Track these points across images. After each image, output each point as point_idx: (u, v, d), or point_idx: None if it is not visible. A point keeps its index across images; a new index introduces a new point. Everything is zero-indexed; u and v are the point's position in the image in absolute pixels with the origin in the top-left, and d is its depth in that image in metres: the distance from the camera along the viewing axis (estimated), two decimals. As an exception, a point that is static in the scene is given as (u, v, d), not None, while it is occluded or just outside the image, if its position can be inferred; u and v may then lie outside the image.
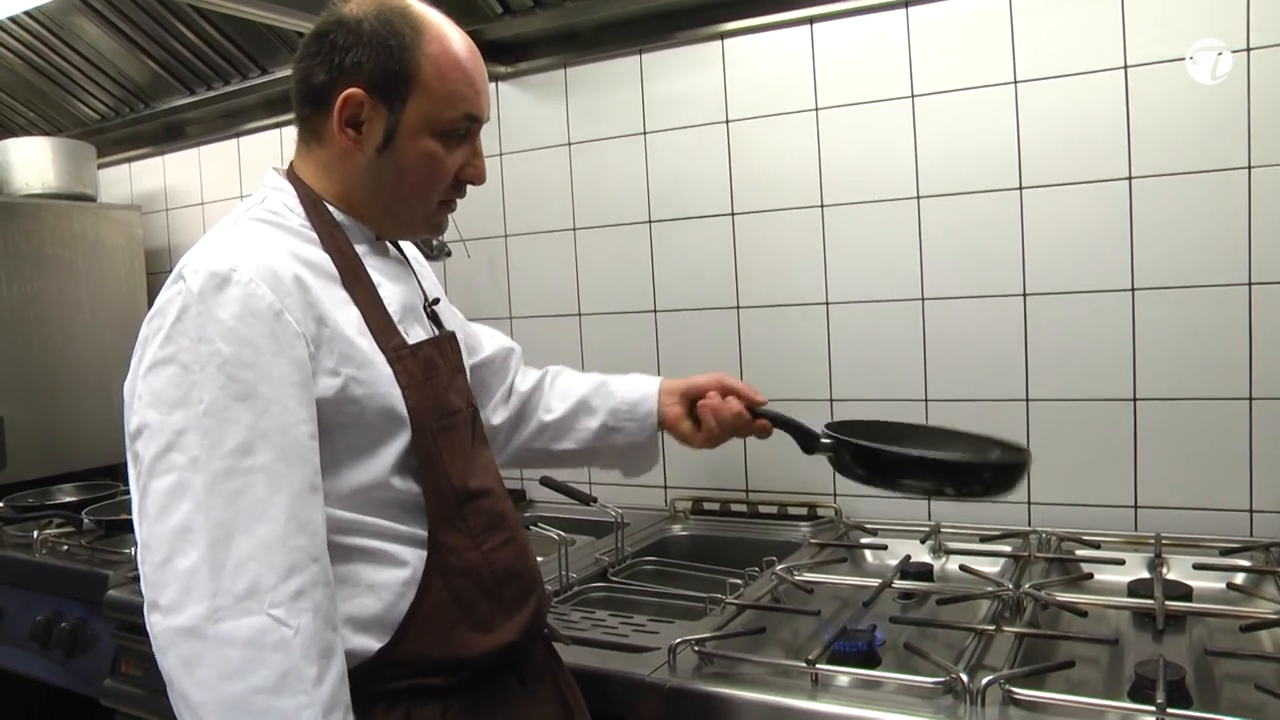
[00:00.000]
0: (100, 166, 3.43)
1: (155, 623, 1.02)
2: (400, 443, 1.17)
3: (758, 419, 1.56)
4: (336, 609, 1.10)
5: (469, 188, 1.30)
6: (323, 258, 1.18)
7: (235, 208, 1.24)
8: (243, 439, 1.04)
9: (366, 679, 1.12)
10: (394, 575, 1.17)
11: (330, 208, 1.24)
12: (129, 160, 3.59)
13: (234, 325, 1.05)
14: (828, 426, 1.57)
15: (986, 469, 1.49)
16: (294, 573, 1.03)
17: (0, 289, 2.91)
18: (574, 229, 2.58)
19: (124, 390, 1.11)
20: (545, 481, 2.30)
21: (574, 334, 2.60)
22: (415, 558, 1.18)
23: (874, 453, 1.49)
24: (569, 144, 2.57)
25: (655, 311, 2.48)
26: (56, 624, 2.23)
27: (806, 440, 1.55)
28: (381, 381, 1.16)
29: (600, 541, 2.22)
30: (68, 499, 2.80)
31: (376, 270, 1.25)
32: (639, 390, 1.60)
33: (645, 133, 2.46)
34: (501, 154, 2.65)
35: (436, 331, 1.33)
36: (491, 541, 1.25)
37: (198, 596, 1.00)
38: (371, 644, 1.15)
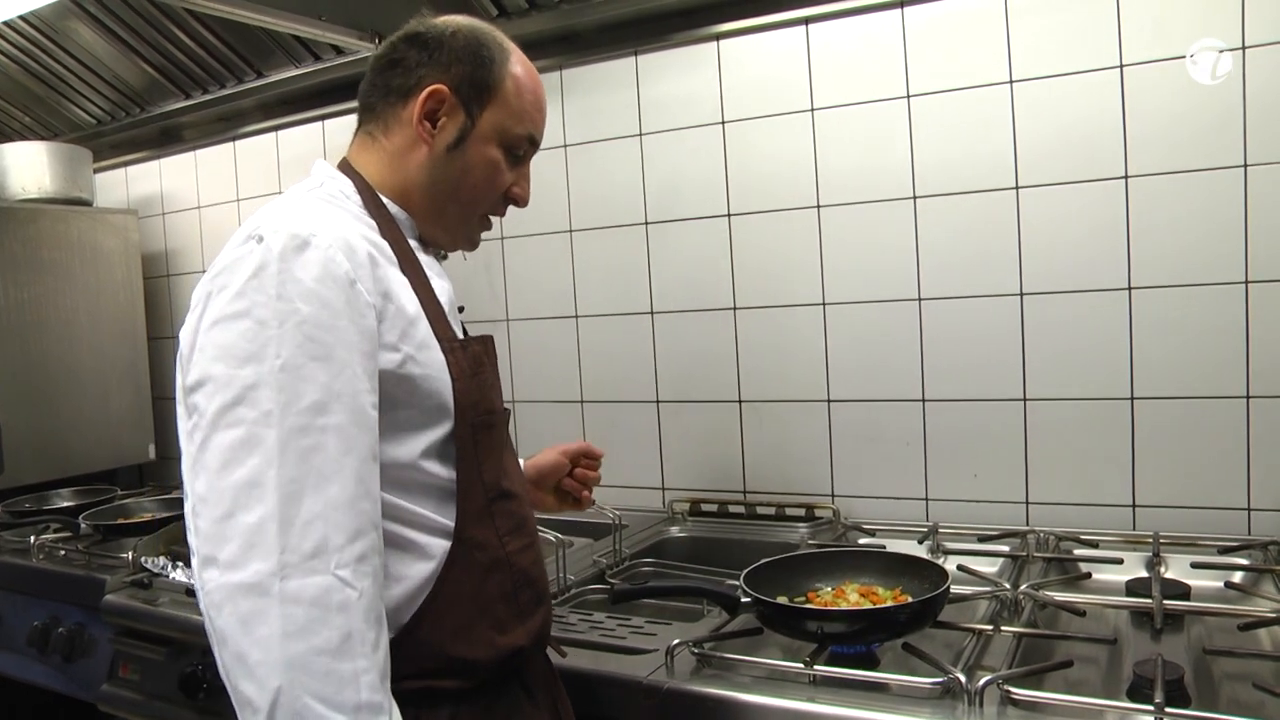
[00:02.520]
0: (96, 171, 3.42)
1: (210, 579, 1.00)
2: (441, 430, 1.18)
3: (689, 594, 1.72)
4: (383, 579, 1.11)
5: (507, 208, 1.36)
6: (382, 242, 1.21)
7: (289, 189, 1.27)
8: (318, 398, 1.04)
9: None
10: (420, 569, 1.17)
11: (387, 202, 1.27)
12: (125, 164, 3.58)
13: (314, 287, 1.07)
14: (754, 570, 1.65)
15: (903, 610, 1.50)
16: (359, 536, 1.04)
17: (-4, 294, 2.91)
18: (570, 231, 2.58)
19: (181, 342, 1.12)
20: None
21: (571, 336, 2.60)
22: (441, 550, 1.18)
23: (793, 611, 1.54)
24: (565, 146, 2.57)
25: (652, 313, 2.48)
26: (54, 629, 2.22)
27: (731, 606, 1.59)
28: (437, 366, 1.18)
29: (598, 543, 2.22)
30: (65, 504, 2.81)
31: (426, 265, 1.27)
32: None
33: (641, 134, 2.45)
34: (498, 156, 2.63)
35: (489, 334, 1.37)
36: (515, 543, 1.26)
37: (264, 552, 0.99)
38: (389, 634, 1.12)
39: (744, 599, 1.53)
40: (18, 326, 2.94)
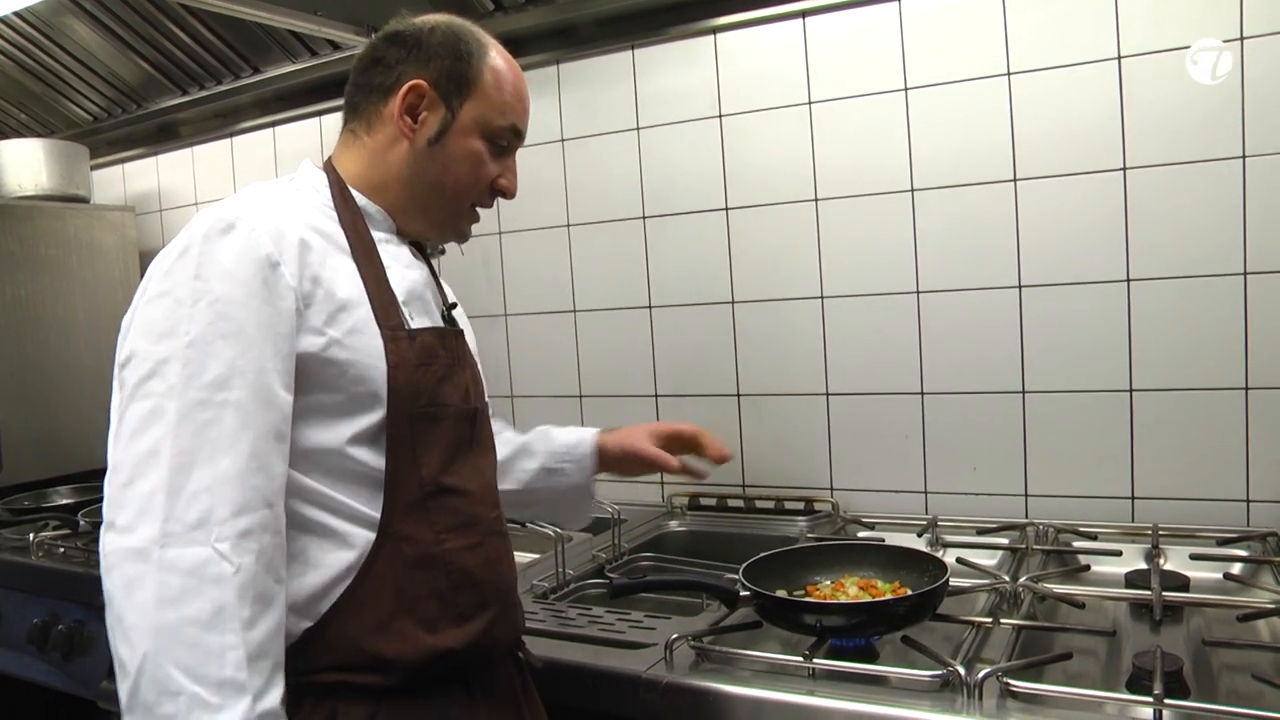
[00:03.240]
0: (93, 168, 3.42)
1: (108, 541, 1.04)
2: (372, 417, 1.17)
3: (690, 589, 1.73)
4: (284, 561, 1.10)
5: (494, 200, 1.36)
6: (336, 231, 1.23)
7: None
8: (220, 373, 1.07)
9: (296, 663, 1.10)
10: (339, 557, 1.15)
11: (355, 194, 1.28)
12: (122, 161, 3.58)
13: (230, 267, 1.10)
14: (751, 564, 1.65)
15: (902, 603, 1.50)
16: (245, 511, 1.05)
17: (-6, 291, 2.90)
18: (568, 225, 2.58)
19: (122, 322, 1.15)
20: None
21: (569, 330, 2.60)
22: (364, 541, 1.16)
23: (786, 602, 1.54)
24: (562, 140, 2.56)
25: (650, 307, 2.47)
26: (53, 626, 2.21)
27: (730, 600, 1.59)
28: (369, 352, 1.17)
29: (597, 538, 2.21)
30: (64, 501, 2.80)
31: (391, 255, 1.27)
32: (576, 435, 1.67)
33: (639, 128, 2.45)
34: (495, 151, 2.63)
35: (448, 327, 1.35)
36: (456, 541, 1.22)
37: (151, 519, 1.02)
38: (303, 623, 1.13)
39: (743, 593, 1.53)
40: (15, 324, 2.94)
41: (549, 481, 1.63)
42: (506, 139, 1.32)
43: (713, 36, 2.32)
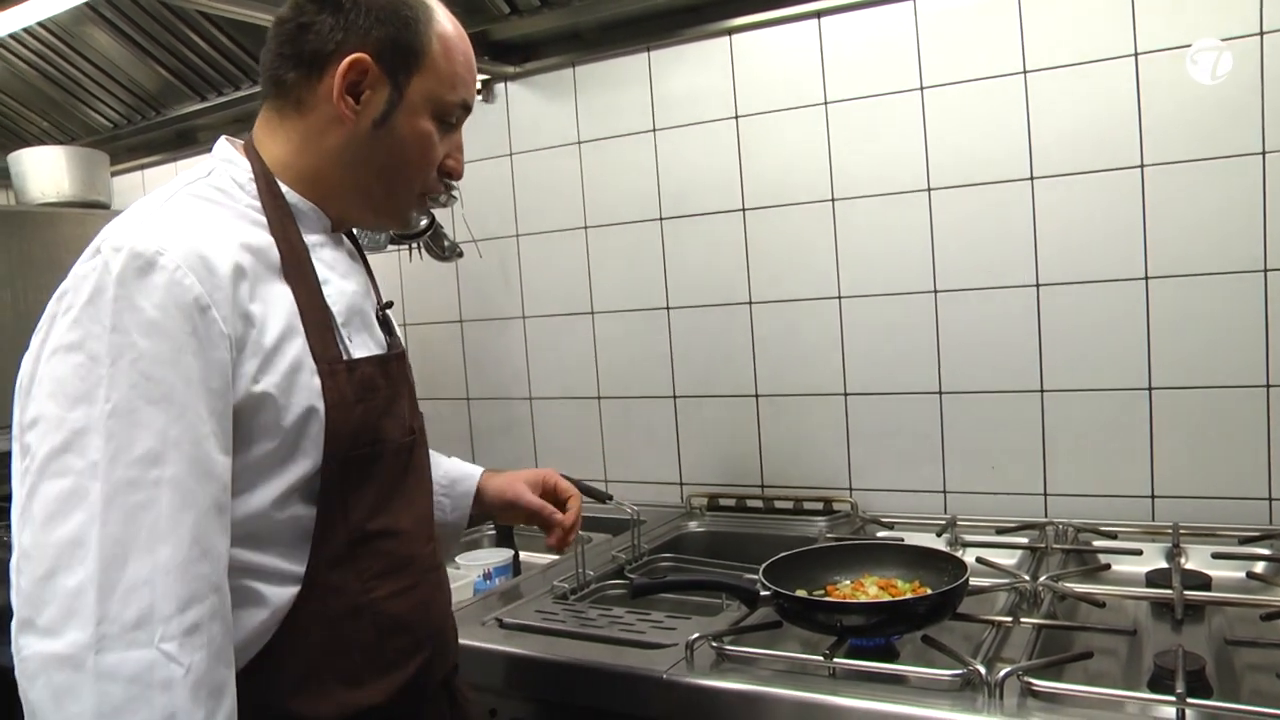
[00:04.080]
0: (114, 174, 3.44)
1: (26, 644, 0.90)
2: (306, 466, 1.06)
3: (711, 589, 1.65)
4: (232, 642, 1.00)
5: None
6: (268, 243, 1.08)
7: (174, 179, 1.13)
8: (151, 446, 0.93)
9: None
10: (256, 616, 1.05)
11: (285, 189, 1.14)
12: (142, 167, 3.60)
13: (155, 317, 0.95)
14: (771, 564, 1.64)
15: (922, 603, 1.49)
16: (192, 604, 0.93)
17: (16, 297, 2.92)
18: (585, 227, 2.58)
19: (22, 369, 1.01)
20: (561, 480, 2.30)
21: (587, 332, 2.61)
22: (283, 597, 1.06)
23: (806, 602, 1.53)
24: (579, 143, 2.57)
25: (668, 308, 2.48)
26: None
27: (750, 599, 1.58)
28: (306, 393, 1.06)
29: (617, 539, 2.22)
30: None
31: (326, 265, 1.16)
32: (461, 470, 1.52)
33: (655, 130, 2.45)
34: (511, 154, 2.65)
35: (386, 339, 1.25)
36: (385, 588, 1.13)
37: (81, 621, 0.88)
38: None
39: (763, 592, 1.53)
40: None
41: None
42: (455, 115, 1.19)
43: (728, 38, 2.33)
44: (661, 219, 2.47)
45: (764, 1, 2.25)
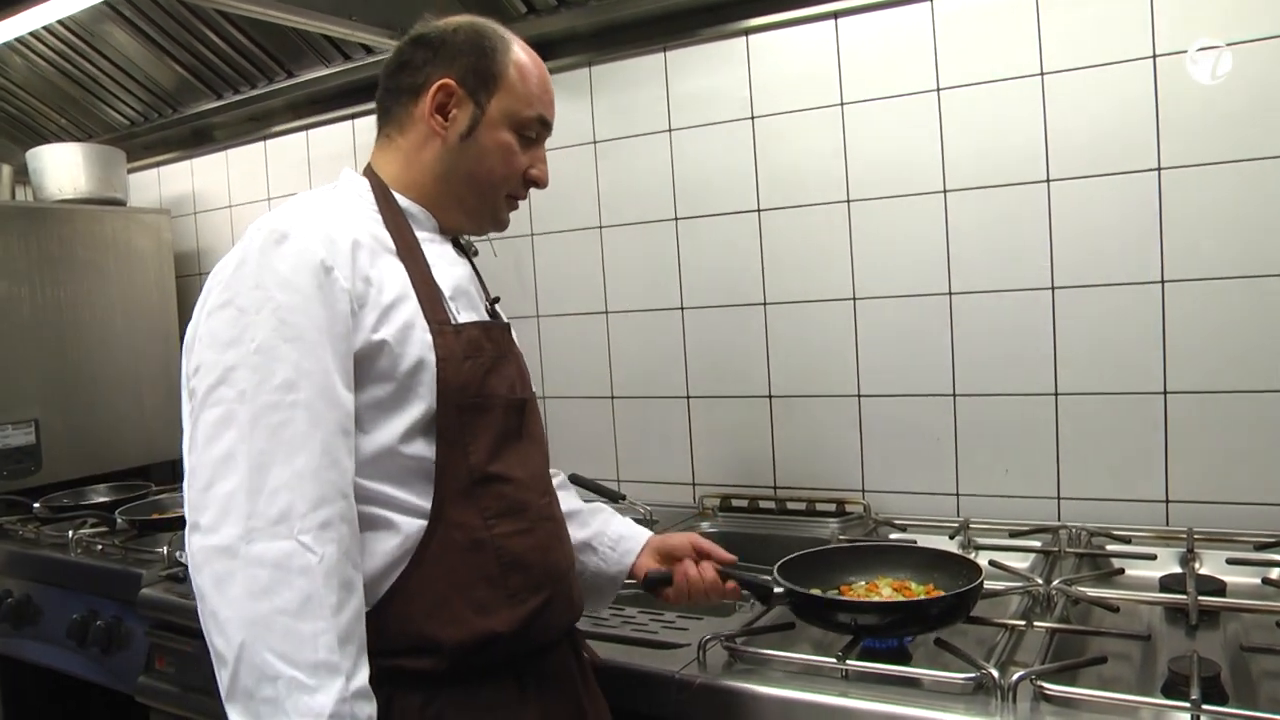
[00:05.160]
0: (130, 171, 3.46)
1: (194, 542, 1.09)
2: (422, 409, 1.21)
3: (727, 580, 1.54)
4: (360, 549, 1.15)
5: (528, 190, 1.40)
6: (383, 233, 1.28)
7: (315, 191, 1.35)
8: (288, 376, 1.11)
9: None
10: (394, 544, 1.19)
11: (400, 198, 1.33)
12: (158, 165, 3.62)
13: (288, 275, 1.14)
14: (786, 561, 1.63)
15: (936, 604, 1.49)
16: (323, 504, 1.10)
17: (33, 293, 2.94)
18: (600, 227, 2.59)
19: (186, 335, 1.20)
20: (573, 478, 2.29)
21: (601, 331, 2.61)
22: (413, 527, 1.21)
23: (823, 601, 1.52)
24: (594, 142, 2.57)
25: (682, 308, 2.48)
26: (92, 622, 2.25)
27: (765, 595, 1.55)
28: (419, 346, 1.21)
29: (629, 539, 2.22)
30: (101, 499, 2.84)
31: (435, 254, 1.32)
32: (630, 530, 1.61)
33: (671, 130, 2.46)
34: (527, 153, 2.64)
35: (494, 320, 1.39)
36: (505, 527, 1.26)
37: (234, 518, 1.06)
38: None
39: (777, 589, 1.53)
40: (54, 325, 2.99)
41: (584, 558, 1.56)
42: (534, 130, 1.35)
43: (745, 38, 2.33)
44: (677, 219, 2.47)
45: (781, 2, 2.25)
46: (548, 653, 1.32)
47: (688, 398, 2.49)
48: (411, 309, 1.23)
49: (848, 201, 2.23)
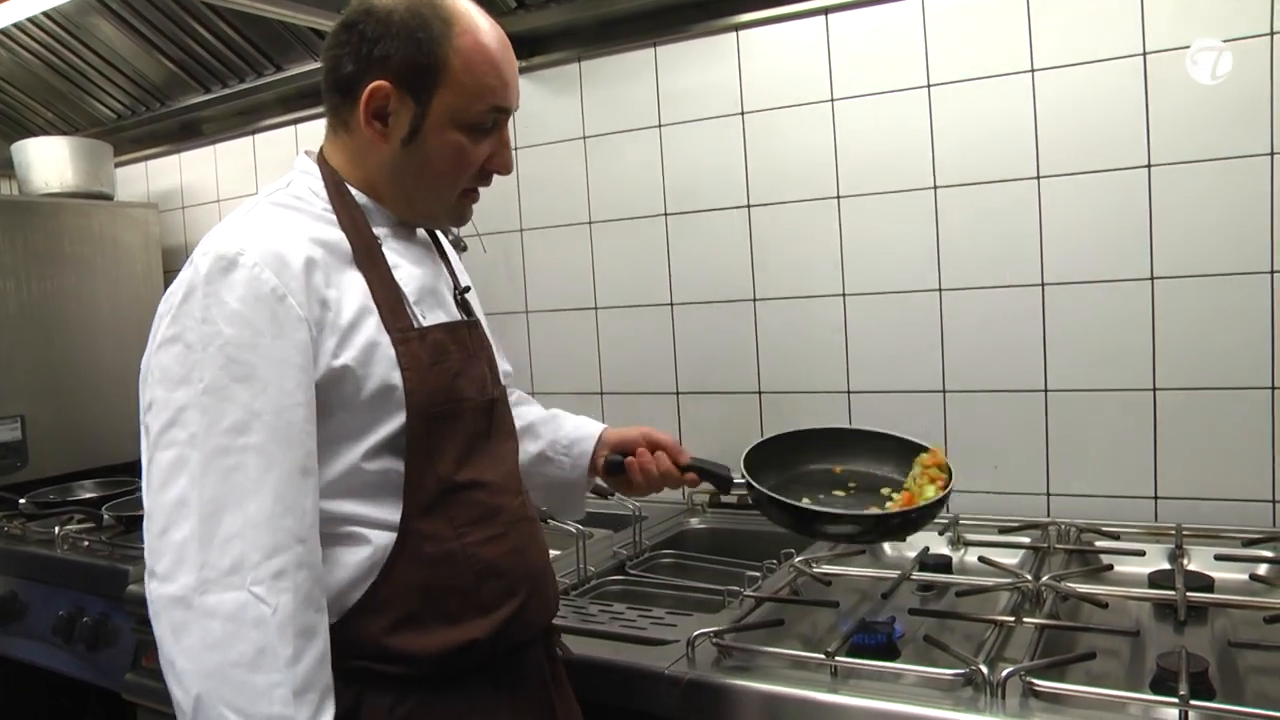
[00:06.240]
0: (117, 165, 3.44)
1: (151, 589, 1.07)
2: (393, 425, 1.18)
3: (685, 472, 1.56)
4: (322, 590, 1.12)
5: (491, 179, 1.32)
6: (339, 238, 1.21)
7: (263, 189, 1.27)
8: (239, 418, 1.07)
9: None
10: (361, 556, 1.17)
11: (353, 191, 1.26)
12: (145, 159, 3.60)
13: (237, 308, 1.09)
14: (761, 444, 1.61)
15: (898, 516, 1.48)
16: (277, 552, 1.06)
17: (19, 287, 2.92)
18: (589, 222, 2.58)
19: (142, 363, 1.16)
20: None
21: (590, 327, 2.60)
22: (383, 540, 1.18)
23: (787, 506, 1.50)
24: (584, 137, 2.56)
25: (672, 304, 2.47)
26: (78, 619, 2.24)
27: (723, 484, 1.55)
28: (383, 366, 1.17)
29: (618, 535, 2.22)
30: (88, 495, 2.82)
31: (396, 253, 1.26)
32: (582, 430, 1.61)
33: (660, 125, 2.45)
34: (516, 148, 2.64)
35: (463, 316, 1.35)
36: (477, 535, 1.23)
37: (188, 568, 1.04)
38: (330, 619, 1.14)
39: (737, 479, 1.52)
40: (40, 320, 2.97)
41: (543, 469, 1.59)
42: (489, 120, 1.24)
43: (735, 34, 2.32)
44: (666, 214, 2.46)
45: (772, -3, 2.24)
46: (523, 651, 1.31)
47: (677, 394, 2.49)
48: (373, 325, 1.18)
49: (838, 197, 2.23)
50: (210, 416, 1.07)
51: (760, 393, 2.37)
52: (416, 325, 1.23)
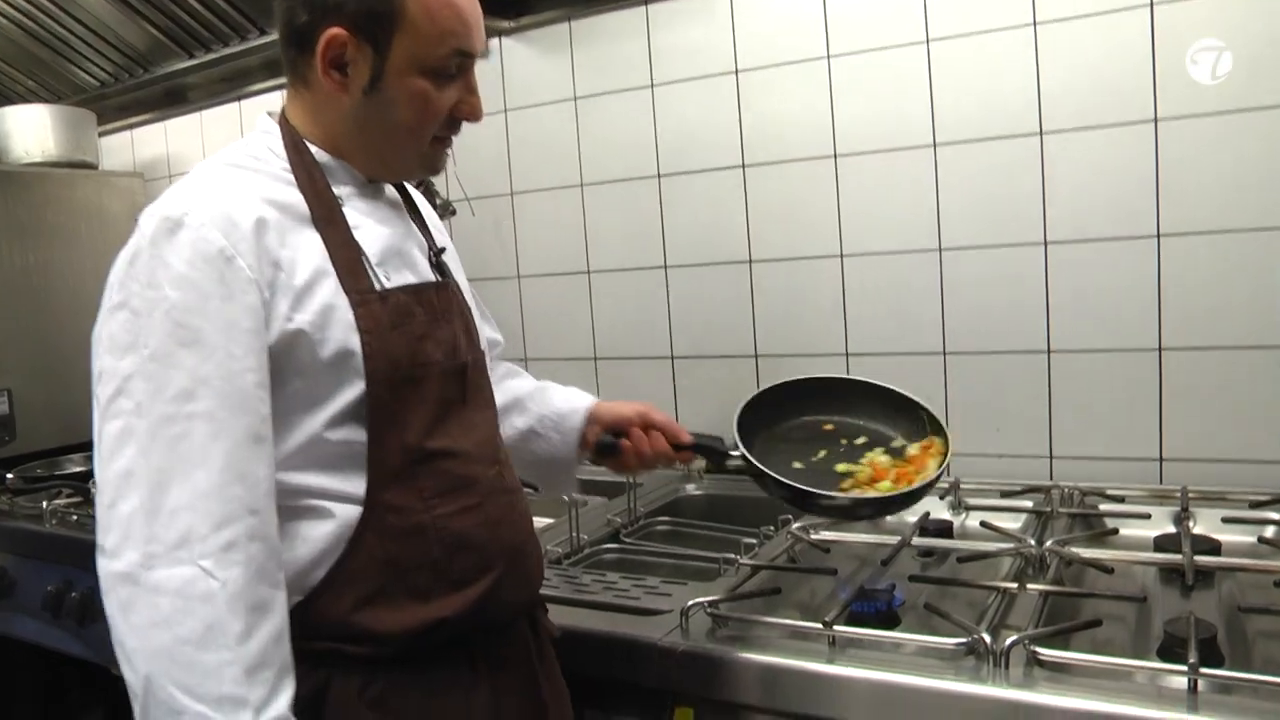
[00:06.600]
0: (101, 134, 3.38)
1: (101, 565, 1.03)
2: (352, 392, 1.12)
3: (681, 451, 1.49)
4: (278, 564, 1.07)
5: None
6: (296, 198, 1.15)
7: (219, 152, 1.22)
8: (184, 385, 1.03)
9: (290, 634, 1.07)
10: (325, 530, 1.12)
11: (314, 149, 1.20)
12: (130, 127, 3.54)
13: (183, 271, 1.05)
14: (748, 407, 1.54)
15: (899, 498, 1.43)
16: (227, 524, 1.02)
17: (3, 259, 2.88)
18: (581, 185, 2.53)
19: (93, 332, 1.12)
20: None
21: (583, 292, 2.56)
22: (349, 513, 1.13)
23: (782, 483, 1.43)
24: (575, 98, 2.51)
25: (666, 267, 2.43)
26: (67, 593, 2.21)
27: (718, 459, 1.50)
28: (341, 329, 1.12)
29: (613, 502, 2.19)
30: (76, 469, 2.79)
31: (360, 212, 1.21)
32: (571, 404, 1.53)
33: (652, 85, 2.39)
34: (506, 110, 2.59)
35: (436, 277, 1.28)
36: (447, 506, 1.17)
37: (134, 542, 1.00)
38: (293, 597, 1.10)
39: (733, 451, 1.46)
40: (25, 292, 2.92)
41: (531, 445, 1.52)
42: (454, 65, 1.18)
43: (728, -11, 2.26)
44: (660, 176, 2.41)
45: (765, -50, 2.18)
46: (503, 630, 1.25)
47: (672, 358, 2.45)
48: (330, 287, 1.12)
49: (834, 156, 2.18)
50: (156, 384, 1.03)
51: (757, 356, 2.33)
52: (378, 287, 1.16)
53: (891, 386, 1.59)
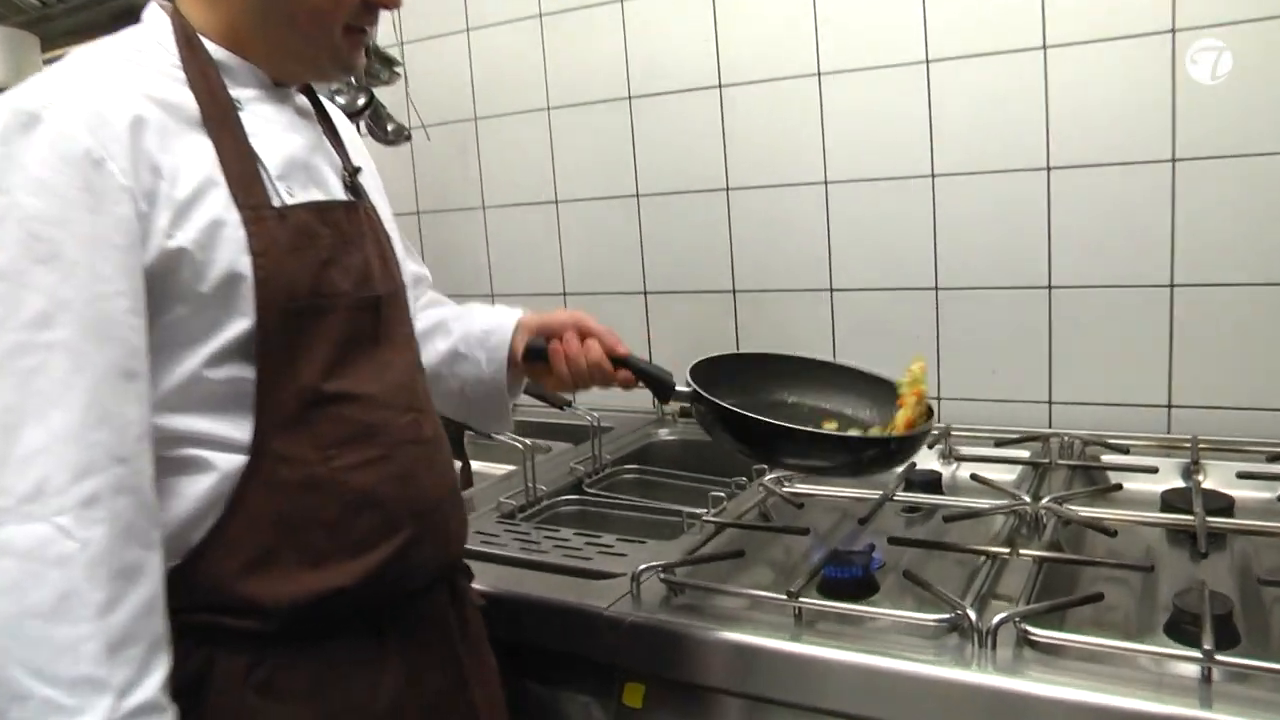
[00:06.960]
0: (46, 60, 3.18)
1: None
2: (243, 323, 0.97)
3: (619, 369, 1.31)
4: (152, 522, 0.92)
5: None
6: (185, 98, 0.99)
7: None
8: (41, 308, 0.87)
9: (169, 600, 0.93)
10: (204, 484, 0.98)
11: (211, 45, 1.03)
12: (79, 48, 3.35)
13: (40, 174, 0.89)
14: (705, 361, 1.36)
15: (874, 445, 1.25)
16: (89, 473, 0.87)
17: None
18: (548, 108, 2.35)
19: None
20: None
21: (551, 222, 2.40)
22: (232, 464, 0.98)
23: (739, 418, 1.25)
24: (540, 15, 2.32)
25: (638, 196, 2.27)
26: None
27: (662, 391, 1.31)
28: (230, 249, 0.96)
29: (579, 449, 2.05)
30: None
31: (261, 118, 1.05)
32: (497, 318, 1.36)
33: (623, 0, 2.21)
34: (468, 30, 2.41)
35: (346, 199, 1.13)
36: (349, 458, 1.02)
37: None
38: (170, 560, 0.95)
39: (680, 388, 1.29)
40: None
41: (457, 369, 1.34)
42: None
43: (704, -111, 2.07)
44: (630, 98, 2.24)
45: None
46: (416, 599, 1.11)
47: (645, 293, 2.30)
48: (220, 200, 0.97)
49: (818, 75, 2.00)
50: (6, 307, 0.87)
51: (735, 291, 2.18)
52: (276, 203, 1.01)
53: (872, 371, 1.42)
